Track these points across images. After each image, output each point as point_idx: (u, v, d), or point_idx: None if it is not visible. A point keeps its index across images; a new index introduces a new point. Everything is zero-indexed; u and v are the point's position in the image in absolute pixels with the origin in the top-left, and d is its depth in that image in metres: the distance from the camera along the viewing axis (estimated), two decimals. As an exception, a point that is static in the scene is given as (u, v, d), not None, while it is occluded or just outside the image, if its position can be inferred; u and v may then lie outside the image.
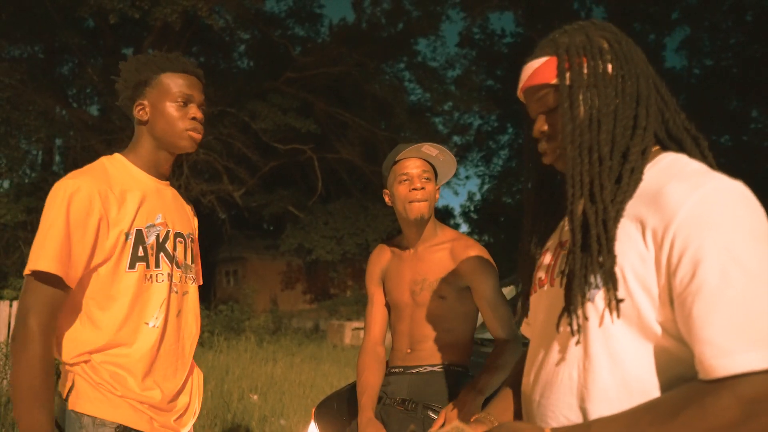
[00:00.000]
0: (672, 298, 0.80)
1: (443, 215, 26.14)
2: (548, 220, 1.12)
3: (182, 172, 12.88)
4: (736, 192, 0.82)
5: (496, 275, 1.76)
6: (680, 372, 0.83)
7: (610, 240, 0.86)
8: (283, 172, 17.38)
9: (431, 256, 1.82)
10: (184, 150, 1.48)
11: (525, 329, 1.18)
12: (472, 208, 25.76)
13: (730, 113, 19.58)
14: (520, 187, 23.13)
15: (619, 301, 0.85)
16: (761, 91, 18.56)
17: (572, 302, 0.89)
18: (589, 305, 0.89)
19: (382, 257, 1.98)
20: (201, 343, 9.80)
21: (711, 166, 0.91)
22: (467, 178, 35.66)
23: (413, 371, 1.80)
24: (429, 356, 1.80)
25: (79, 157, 12.49)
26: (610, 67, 0.93)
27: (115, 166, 1.43)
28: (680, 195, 0.81)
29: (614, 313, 0.86)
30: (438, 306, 1.78)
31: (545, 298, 1.04)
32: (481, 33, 22.09)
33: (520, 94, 1.05)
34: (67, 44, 12.11)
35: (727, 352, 0.73)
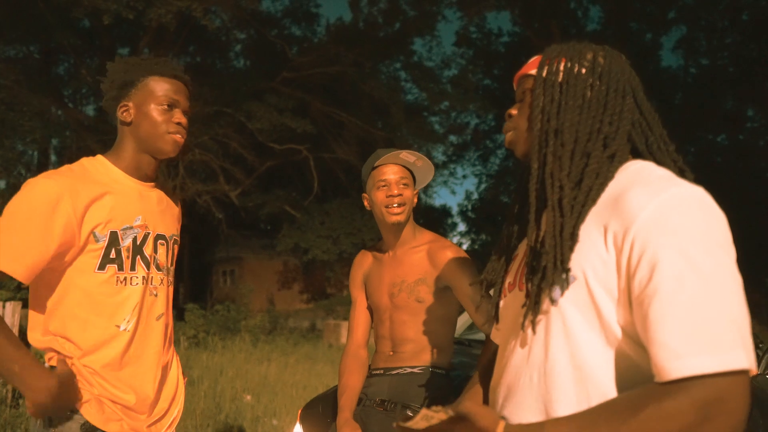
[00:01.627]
0: (631, 301, 0.82)
1: (441, 214, 26.15)
2: (521, 223, 1.14)
3: (178, 173, 12.87)
4: (696, 198, 0.83)
5: (475, 272, 1.78)
6: (640, 379, 0.83)
7: (565, 241, 0.88)
8: (280, 172, 17.38)
9: (409, 259, 1.86)
10: (167, 154, 1.47)
11: (495, 335, 1.20)
12: (469, 207, 25.77)
13: (726, 112, 19.61)
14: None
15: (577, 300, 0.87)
16: (757, 91, 18.59)
17: (533, 303, 0.91)
18: (551, 308, 0.90)
19: (363, 262, 2.03)
20: (196, 344, 9.82)
21: None
22: (464, 177, 35.84)
23: (393, 372, 1.83)
24: (410, 358, 1.83)
25: (75, 158, 12.29)
26: (584, 71, 0.98)
27: (95, 167, 1.43)
28: (641, 200, 0.83)
29: (575, 315, 0.87)
30: (416, 308, 1.81)
31: (513, 302, 1.05)
32: (478, 32, 22.13)
33: (514, 83, 1.11)
34: (62, 44, 12.09)
35: (680, 354, 0.74)
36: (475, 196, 25.72)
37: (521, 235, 1.14)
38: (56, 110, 13.30)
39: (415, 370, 1.78)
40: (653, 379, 0.78)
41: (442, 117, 19.84)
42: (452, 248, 1.82)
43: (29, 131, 11.31)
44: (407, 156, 1.82)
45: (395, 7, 16.78)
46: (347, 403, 1.83)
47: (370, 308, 2.00)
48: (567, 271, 0.88)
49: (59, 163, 14.73)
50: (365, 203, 1.94)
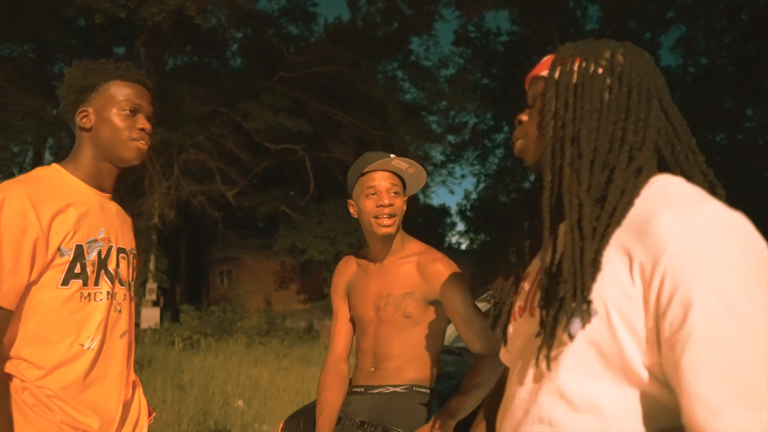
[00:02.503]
0: (660, 342, 0.72)
1: (439, 214, 26.12)
2: (532, 239, 1.02)
3: (173, 173, 12.80)
4: (733, 225, 0.73)
5: (467, 287, 1.69)
6: (667, 422, 0.75)
7: (586, 269, 0.77)
8: (276, 172, 17.32)
9: (397, 270, 1.76)
10: (129, 162, 1.41)
11: (503, 355, 1.08)
12: (468, 207, 25.72)
13: (725, 112, 19.56)
14: (516, 186, 23.12)
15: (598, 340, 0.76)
16: (756, 90, 18.57)
17: (548, 336, 0.81)
18: (567, 343, 0.80)
19: (347, 270, 1.92)
20: (191, 345, 9.75)
21: None
22: (463, 176, 35.52)
23: (375, 391, 1.74)
24: (392, 376, 1.74)
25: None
26: (601, 70, 0.88)
27: (53, 177, 1.36)
28: (670, 227, 0.73)
29: (594, 353, 0.77)
30: (403, 323, 1.72)
31: (523, 328, 0.95)
32: (476, 31, 22.07)
33: (526, 85, 1.02)
34: (57, 44, 12.02)
35: (716, 411, 0.66)
36: (474, 195, 25.70)
37: (533, 252, 1.01)
38: (51, 110, 13.22)
39: (398, 390, 1.69)
40: (683, 427, 0.69)
41: (441, 116, 19.78)
42: (443, 261, 1.72)
43: (21, 131, 11.23)
44: (399, 163, 1.70)
45: (393, 7, 16.73)
46: (326, 421, 1.75)
47: (352, 319, 1.91)
48: (588, 303, 0.77)
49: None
50: (351, 210, 1.82)
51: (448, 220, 27.09)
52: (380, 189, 1.70)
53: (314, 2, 22.75)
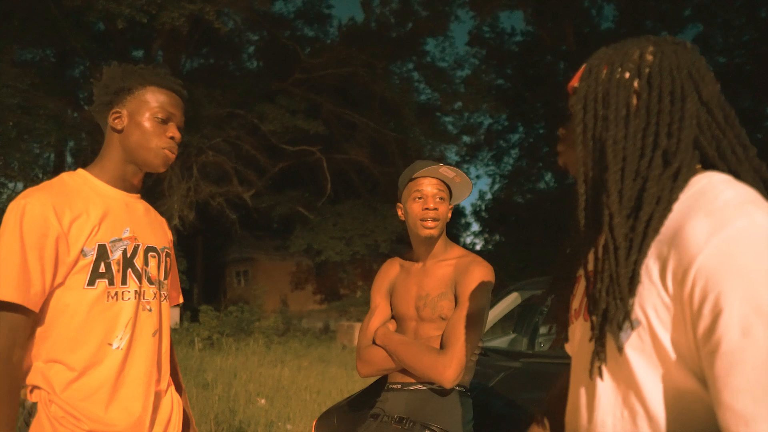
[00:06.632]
0: (698, 345, 0.73)
1: (454, 214, 25.96)
2: (585, 242, 1.04)
3: (192, 175, 12.94)
4: (765, 233, 0.70)
5: (486, 297, 1.74)
6: (713, 424, 0.75)
7: (623, 282, 0.77)
8: (292, 174, 17.41)
9: (436, 272, 1.84)
10: (155, 168, 1.42)
11: (569, 348, 1.09)
12: (483, 207, 25.66)
13: (743, 111, 19.32)
14: (531, 187, 23.01)
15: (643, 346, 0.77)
16: (775, 89, 18.29)
17: (598, 348, 0.81)
18: (616, 354, 0.80)
19: (390, 271, 2.00)
20: (210, 345, 9.86)
21: None
22: (478, 177, 35.35)
23: (412, 388, 1.78)
24: None
25: (89, 159, 12.51)
26: (627, 74, 0.85)
27: (75, 181, 1.37)
28: (702, 235, 0.72)
29: (642, 362, 0.78)
30: (440, 323, 1.77)
31: (578, 332, 0.97)
32: (490, 32, 22.01)
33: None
34: (77, 48, 12.19)
35: (748, 420, 0.65)
36: (489, 196, 25.60)
37: (580, 259, 1.01)
38: (72, 113, 13.42)
39: (434, 387, 1.74)
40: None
41: (455, 117, 19.74)
42: (481, 264, 1.78)
43: (45, 134, 11.42)
44: (446, 171, 1.79)
45: (407, 8, 16.73)
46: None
47: (394, 318, 1.96)
48: (628, 315, 0.76)
49: (75, 166, 14.88)
50: (399, 212, 1.92)
51: (463, 221, 27.03)
52: (427, 194, 1.80)
53: (329, 4, 22.81)
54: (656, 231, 0.77)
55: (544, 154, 22.47)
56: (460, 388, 1.77)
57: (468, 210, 26.36)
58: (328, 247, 16.30)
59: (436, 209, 1.79)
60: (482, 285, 1.73)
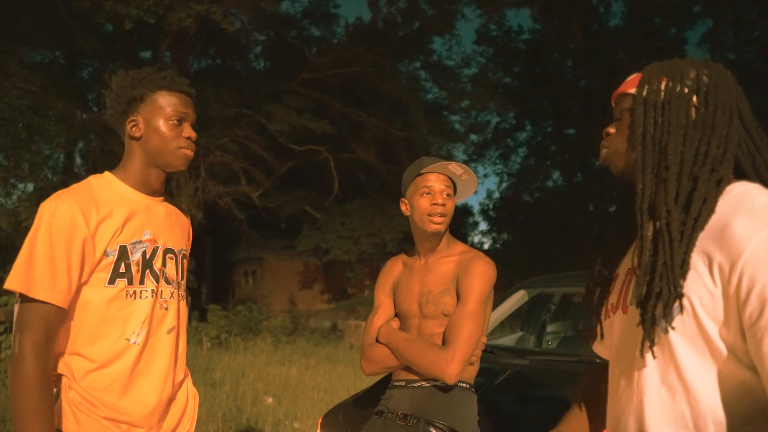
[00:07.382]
0: (743, 331, 0.82)
1: (462, 213, 25.99)
2: (621, 242, 1.15)
3: (200, 175, 12.98)
4: None
5: (488, 292, 1.74)
6: (756, 403, 0.84)
7: (676, 268, 0.87)
8: (300, 173, 17.43)
9: (438, 269, 1.83)
10: (176, 168, 1.50)
11: (598, 348, 1.21)
12: (490, 206, 25.58)
13: (754, 107, 19.03)
14: (539, 185, 22.91)
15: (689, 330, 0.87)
16: (786, 85, 18.09)
17: (648, 331, 0.91)
18: (662, 337, 0.91)
19: (394, 269, 2.00)
20: (219, 344, 9.90)
21: None
22: (485, 176, 35.19)
23: (416, 385, 1.78)
24: None
25: (99, 160, 12.67)
26: (686, 90, 0.97)
27: (101, 185, 1.44)
28: (747, 232, 0.83)
29: (686, 345, 0.89)
30: (443, 320, 1.77)
31: (618, 324, 1.07)
32: (497, 30, 21.93)
33: (612, 101, 1.12)
34: (85, 49, 12.26)
35: None
36: (496, 194, 25.57)
37: (621, 255, 1.15)
38: (81, 114, 13.50)
39: (438, 383, 1.73)
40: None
41: (463, 116, 19.66)
42: (483, 260, 1.78)
43: (55, 135, 11.50)
44: (455, 168, 1.80)
45: (414, 6, 16.69)
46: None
47: (397, 315, 1.96)
48: (680, 298, 0.87)
49: (84, 166, 14.99)
50: (402, 207, 1.91)
51: (471, 220, 26.99)
52: (435, 190, 1.80)
53: (336, 3, 22.82)
54: (702, 227, 0.89)
55: (552, 152, 22.37)
56: (464, 385, 1.76)
57: (476, 209, 26.34)
58: (336, 247, 16.32)
59: (444, 205, 1.79)
60: (484, 281, 1.73)
